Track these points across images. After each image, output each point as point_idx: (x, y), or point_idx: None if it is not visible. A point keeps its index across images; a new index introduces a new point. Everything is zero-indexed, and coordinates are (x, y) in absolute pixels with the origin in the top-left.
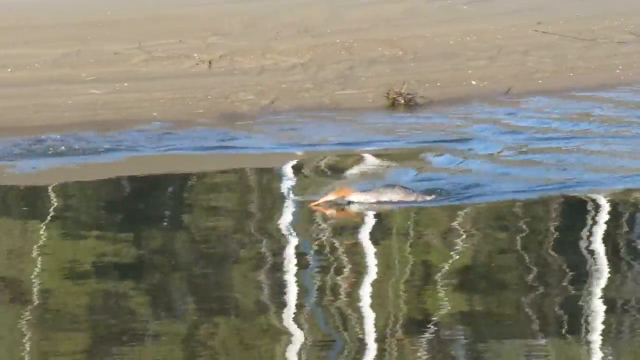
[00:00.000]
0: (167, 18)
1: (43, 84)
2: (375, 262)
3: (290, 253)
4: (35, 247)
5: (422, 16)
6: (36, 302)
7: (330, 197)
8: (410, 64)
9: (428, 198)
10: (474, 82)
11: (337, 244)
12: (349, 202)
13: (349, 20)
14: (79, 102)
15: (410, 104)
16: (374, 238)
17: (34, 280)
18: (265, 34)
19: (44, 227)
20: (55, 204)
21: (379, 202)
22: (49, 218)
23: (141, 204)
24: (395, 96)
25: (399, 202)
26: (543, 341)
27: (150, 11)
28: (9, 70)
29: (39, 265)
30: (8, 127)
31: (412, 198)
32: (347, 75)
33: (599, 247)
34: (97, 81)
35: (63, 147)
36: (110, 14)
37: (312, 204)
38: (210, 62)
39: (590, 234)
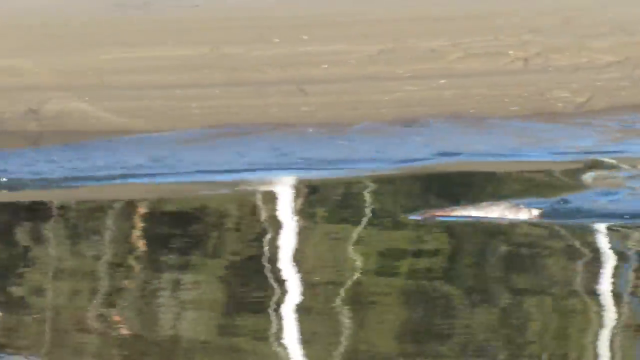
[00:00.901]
0: (483, 15)
1: (358, 80)
2: None
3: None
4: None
5: None
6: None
7: (430, 214)
8: None
9: (535, 213)
10: None
11: None
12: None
13: None
14: (395, 99)
15: None
16: None
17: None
18: (580, 32)
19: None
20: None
21: (479, 218)
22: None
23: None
24: None
25: (501, 218)
26: None
27: (466, 8)
28: (325, 66)
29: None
30: (324, 122)
31: (513, 214)
32: None
33: None
34: (413, 78)
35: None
36: (426, 10)
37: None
38: (525, 60)
39: None
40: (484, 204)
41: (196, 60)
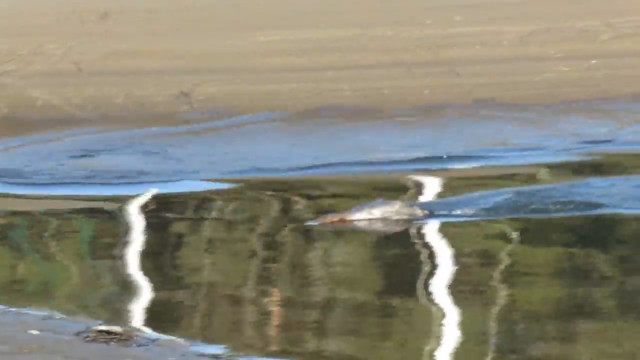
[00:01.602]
0: None
1: (510, 61)
2: None
3: None
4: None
5: None
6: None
7: (328, 219)
8: None
9: (421, 214)
10: None
11: None
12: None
13: None
14: (546, 80)
15: None
16: None
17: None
18: None
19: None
20: None
21: (374, 219)
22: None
23: None
24: None
25: (392, 218)
26: None
27: None
28: (476, 47)
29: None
30: (481, 100)
31: (408, 213)
32: None
33: None
34: (564, 58)
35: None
36: None
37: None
38: None
39: None
40: (377, 202)
41: (347, 41)
